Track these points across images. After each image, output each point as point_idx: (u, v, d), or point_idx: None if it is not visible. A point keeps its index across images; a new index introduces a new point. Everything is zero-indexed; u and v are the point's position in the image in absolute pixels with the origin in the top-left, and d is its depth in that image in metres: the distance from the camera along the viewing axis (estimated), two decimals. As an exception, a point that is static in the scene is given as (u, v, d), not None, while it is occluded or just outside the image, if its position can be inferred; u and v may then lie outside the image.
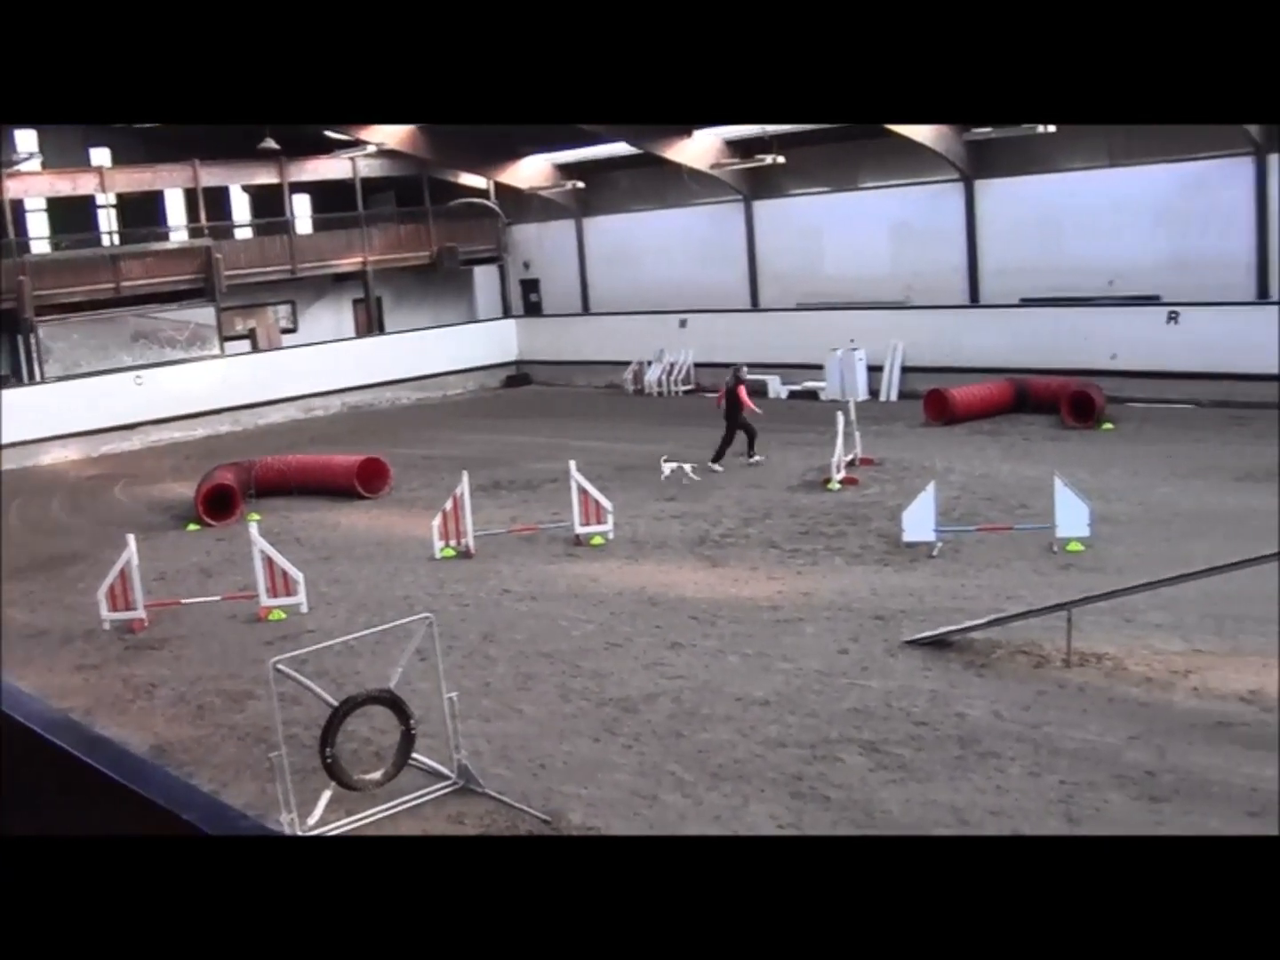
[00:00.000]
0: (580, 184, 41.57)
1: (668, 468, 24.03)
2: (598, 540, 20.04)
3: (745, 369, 26.27)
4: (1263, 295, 29.29)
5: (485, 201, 43.74)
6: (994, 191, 33.70)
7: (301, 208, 45.94)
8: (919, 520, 17.99)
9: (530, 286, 46.18)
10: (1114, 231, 31.42)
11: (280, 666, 11.04)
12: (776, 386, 35.91)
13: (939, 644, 14.10)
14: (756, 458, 25.53)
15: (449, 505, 20.01)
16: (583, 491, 20.14)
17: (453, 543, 20.02)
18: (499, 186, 43.90)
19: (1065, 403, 27.85)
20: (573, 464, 20.25)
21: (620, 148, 38.84)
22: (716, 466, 25.01)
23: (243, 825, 3.19)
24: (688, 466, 24.00)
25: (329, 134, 41.62)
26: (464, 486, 19.91)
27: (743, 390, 25.30)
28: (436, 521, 20.00)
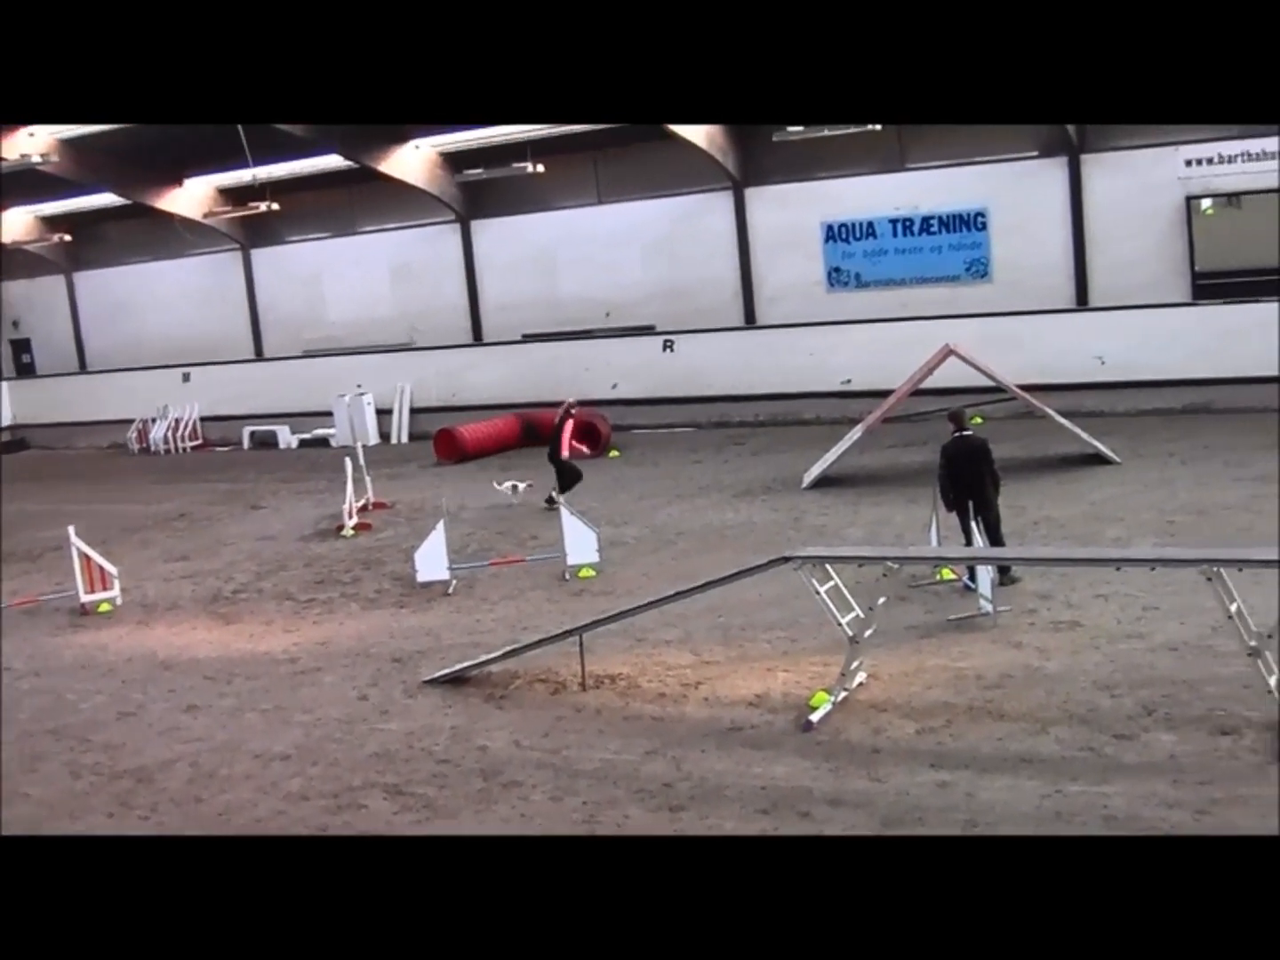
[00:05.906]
0: (67, 237, 39.65)
1: (505, 486, 23.41)
2: (105, 607, 19.16)
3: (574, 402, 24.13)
4: (749, 321, 30.84)
5: (-39, 258, 41.36)
6: (490, 231, 34.25)
7: None
8: (432, 559, 17.99)
9: (21, 346, 43.88)
10: (608, 265, 32.47)
11: None
12: (286, 436, 35.47)
13: (458, 680, 14.10)
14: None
15: (-64, 584, 18.73)
16: (85, 557, 19.20)
17: (-57, 624, 18.73)
18: (-24, 242, 41.47)
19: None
20: (71, 529, 19.29)
21: (108, 198, 37.30)
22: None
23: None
24: (521, 485, 23.33)
25: None
26: (-50, 562, 18.71)
27: (567, 427, 23.57)
28: (-77, 603, 18.68)
